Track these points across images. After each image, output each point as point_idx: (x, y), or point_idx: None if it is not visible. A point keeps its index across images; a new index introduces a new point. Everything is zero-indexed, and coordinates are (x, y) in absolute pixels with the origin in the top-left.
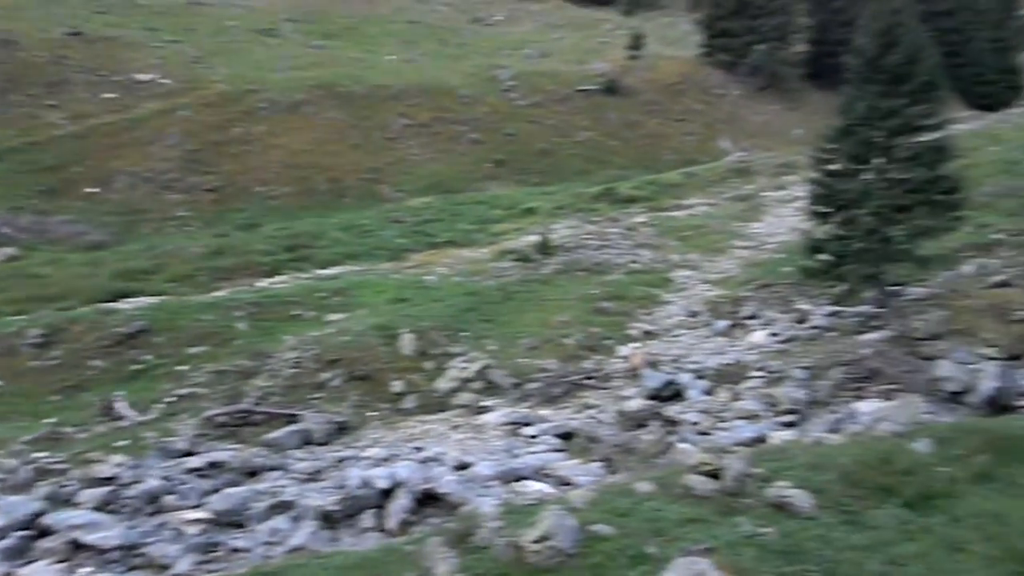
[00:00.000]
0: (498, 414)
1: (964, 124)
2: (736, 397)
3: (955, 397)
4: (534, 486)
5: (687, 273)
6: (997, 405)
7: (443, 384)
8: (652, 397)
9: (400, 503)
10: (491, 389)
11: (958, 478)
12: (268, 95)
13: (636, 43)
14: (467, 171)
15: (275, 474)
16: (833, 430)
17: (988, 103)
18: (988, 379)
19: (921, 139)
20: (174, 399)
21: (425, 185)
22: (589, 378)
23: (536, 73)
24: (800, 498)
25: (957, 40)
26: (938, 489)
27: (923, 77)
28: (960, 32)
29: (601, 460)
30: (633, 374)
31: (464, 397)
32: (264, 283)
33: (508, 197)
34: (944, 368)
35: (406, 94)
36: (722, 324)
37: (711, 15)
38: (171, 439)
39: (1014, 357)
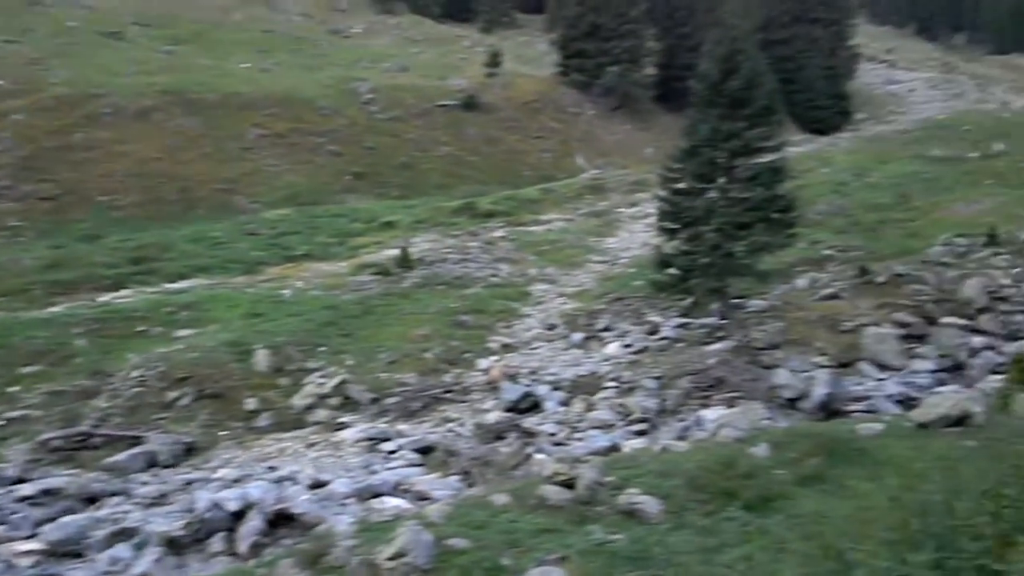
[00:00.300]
0: (356, 430)
1: (799, 147)
2: (591, 407)
3: (792, 403)
4: (391, 502)
5: (545, 287)
6: (828, 410)
7: (299, 401)
8: (510, 409)
9: (252, 525)
10: (349, 405)
11: (792, 480)
12: (113, 100)
13: (494, 60)
14: (326, 183)
15: (116, 500)
16: (681, 437)
17: (820, 127)
18: (820, 386)
19: (760, 160)
20: (4, 423)
21: (282, 197)
22: (448, 392)
23: (395, 87)
24: (649, 504)
25: (793, 67)
26: (774, 491)
27: (761, 102)
28: (795, 60)
29: (459, 473)
30: (492, 387)
31: (321, 414)
32: (106, 298)
33: (367, 210)
34: (781, 376)
35: (261, 103)
36: (578, 336)
37: (565, 36)
38: (0, 465)
39: (843, 365)
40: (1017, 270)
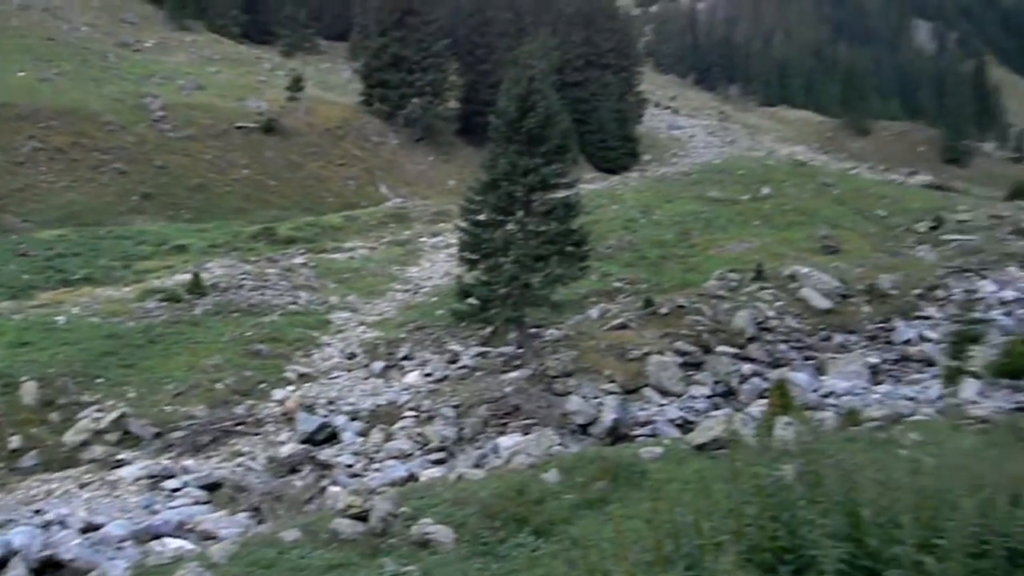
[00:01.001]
0: (136, 467)
1: (591, 184)
2: (389, 437)
3: (583, 429)
4: (173, 543)
5: (346, 315)
6: (616, 434)
7: (72, 437)
8: (306, 441)
9: (14, 574)
10: (129, 440)
11: (579, 504)
12: None
13: (296, 85)
14: (110, 203)
15: None
16: (478, 465)
17: (611, 167)
18: (609, 411)
19: (555, 196)
20: None
21: (59, 216)
22: (240, 424)
23: (190, 105)
24: (442, 534)
25: (586, 109)
26: (562, 516)
27: (557, 140)
28: (589, 102)
29: (249, 510)
30: (287, 418)
31: (96, 450)
32: None
33: (156, 233)
34: (573, 403)
35: (39, 115)
36: (378, 365)
37: (369, 65)
38: None
39: (630, 391)
40: (779, 303)
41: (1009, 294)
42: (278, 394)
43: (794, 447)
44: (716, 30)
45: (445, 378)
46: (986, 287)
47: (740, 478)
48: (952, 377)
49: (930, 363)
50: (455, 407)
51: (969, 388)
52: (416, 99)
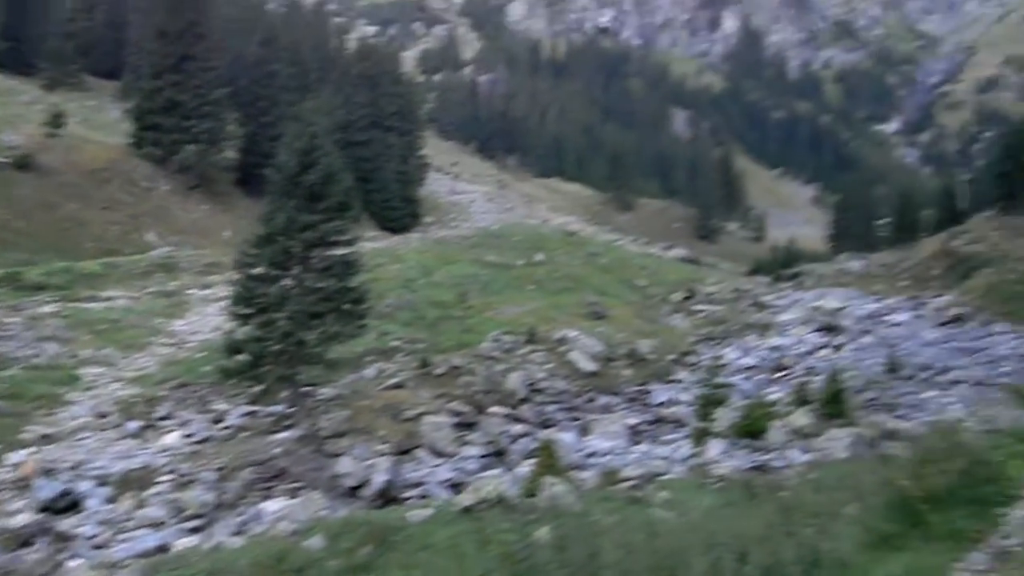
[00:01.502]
0: None
1: (373, 243)
2: (141, 504)
3: (353, 491)
4: None
5: (99, 370)
6: (387, 497)
7: None
8: (44, 510)
9: None
10: None
11: (344, 570)
12: None
13: (56, 121)
14: None
15: None
16: (239, 532)
17: (393, 227)
18: (380, 473)
19: (334, 253)
20: None
21: None
22: None
23: None
24: None
25: (370, 168)
26: None
27: (337, 197)
28: (372, 162)
29: None
30: (23, 485)
31: None
32: None
33: None
34: (344, 464)
35: None
36: (134, 425)
37: (141, 107)
38: None
39: (403, 452)
40: (550, 365)
41: (749, 360)
42: (13, 458)
43: (547, 510)
44: (496, 102)
45: (208, 439)
46: (730, 354)
47: (491, 544)
48: (700, 437)
49: (681, 424)
50: (217, 470)
51: (714, 448)
52: (191, 146)
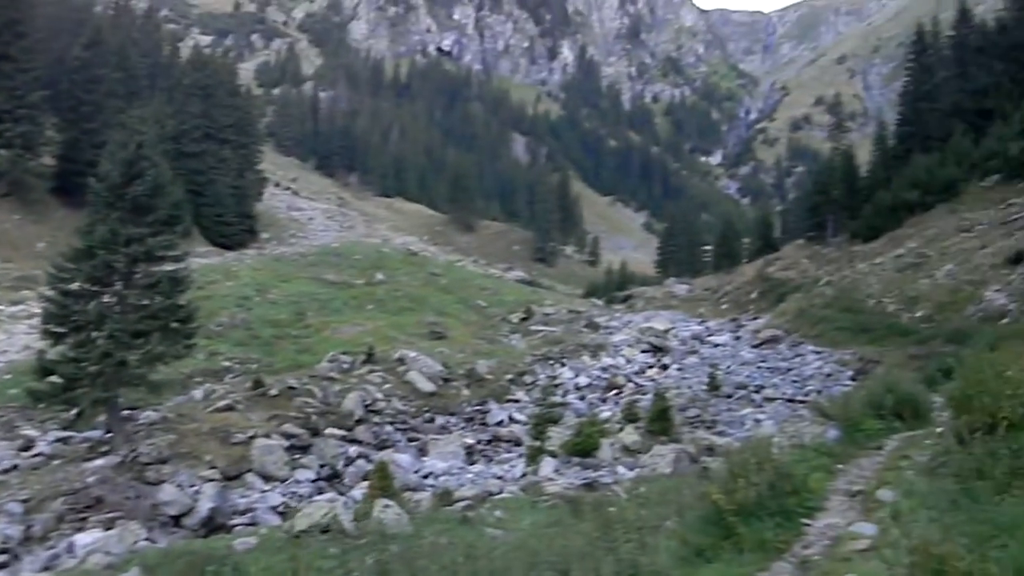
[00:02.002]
0: None
1: (204, 259)
2: None
3: (176, 520)
4: None
5: None
6: (213, 525)
7: None
8: None
9: None
10: None
11: None
12: None
13: None
14: None
15: None
16: (48, 567)
17: (227, 243)
18: (206, 500)
19: (161, 268)
20: None
21: None
22: None
23: None
24: None
25: (203, 182)
26: None
27: (166, 210)
28: (206, 175)
29: None
30: None
31: None
32: None
33: None
34: (166, 492)
35: None
36: None
37: None
38: None
39: (232, 477)
40: (388, 385)
41: (583, 380)
42: None
43: (376, 534)
44: (337, 120)
45: (14, 468)
46: (565, 373)
47: (309, 573)
48: (534, 456)
49: (517, 443)
50: (23, 501)
51: (547, 466)
52: (2, 151)
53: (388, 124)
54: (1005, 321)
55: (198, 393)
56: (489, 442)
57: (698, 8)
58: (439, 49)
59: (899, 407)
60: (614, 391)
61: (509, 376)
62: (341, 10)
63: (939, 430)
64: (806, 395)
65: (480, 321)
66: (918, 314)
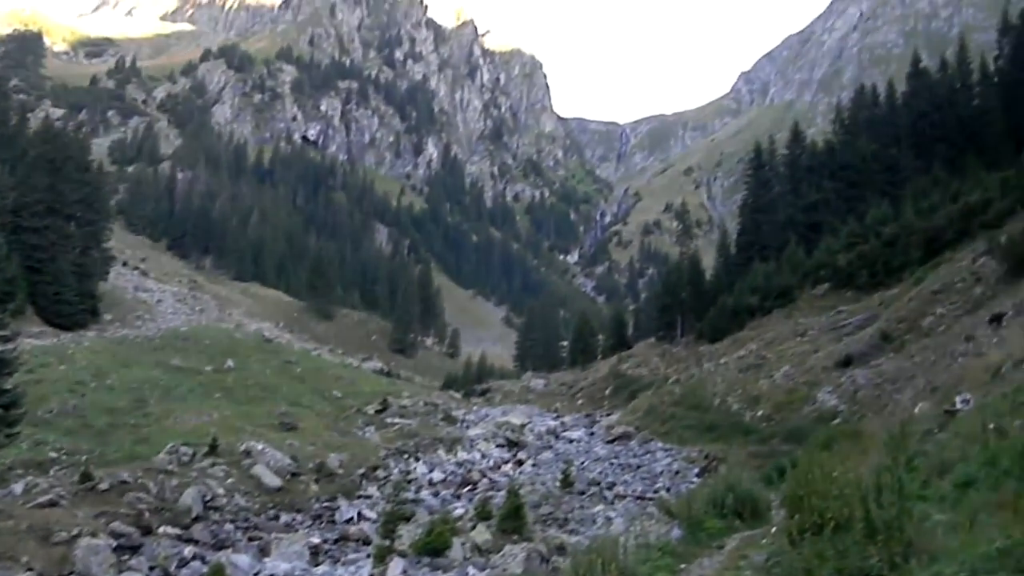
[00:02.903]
0: None
1: (38, 340)
2: None
3: None
4: None
5: None
6: None
7: None
8: None
9: None
10: None
11: None
12: None
13: None
14: None
15: None
16: None
17: (66, 323)
18: None
19: None
20: None
21: None
22: None
23: None
24: None
25: (43, 258)
26: None
27: None
28: (46, 251)
29: None
30: None
31: None
32: None
33: None
34: None
35: None
36: None
37: None
38: None
39: None
40: (231, 480)
41: (437, 475)
42: None
43: None
44: (194, 200)
45: None
46: (419, 468)
47: None
48: (382, 556)
49: (366, 542)
50: None
51: (395, 567)
52: None
53: (248, 208)
54: (837, 421)
55: (18, 487)
56: (336, 541)
57: (558, 115)
58: (304, 138)
59: (739, 506)
60: (468, 487)
61: (361, 470)
62: (205, 92)
63: (774, 530)
64: (655, 492)
65: (334, 412)
66: (759, 413)
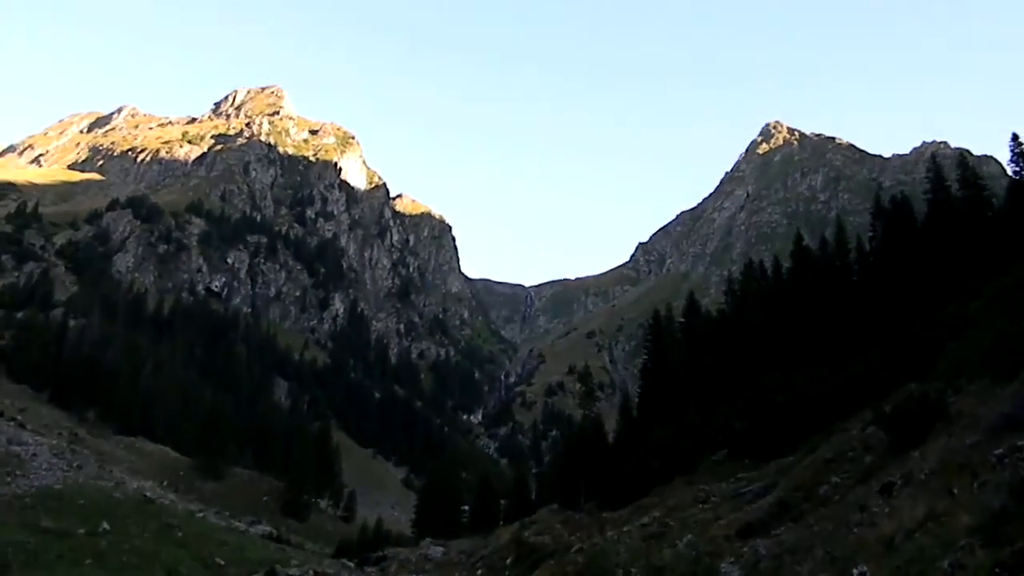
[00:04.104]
0: None
1: None
2: None
3: None
4: None
5: None
6: None
7: None
8: None
9: None
10: None
11: None
12: None
13: None
14: None
15: None
16: None
17: None
18: None
19: None
20: None
21: None
22: None
23: None
24: None
25: None
26: None
27: None
28: None
29: None
30: None
31: None
32: None
33: None
34: None
35: None
36: None
37: None
38: None
39: None
40: None
41: None
42: None
43: None
44: (84, 349)
45: None
46: None
47: None
48: None
49: None
50: None
51: None
52: None
53: (142, 358)
54: None
55: None
56: None
57: (465, 276)
58: (208, 289)
59: None
60: None
61: None
62: (108, 241)
63: None
64: None
65: None
66: None
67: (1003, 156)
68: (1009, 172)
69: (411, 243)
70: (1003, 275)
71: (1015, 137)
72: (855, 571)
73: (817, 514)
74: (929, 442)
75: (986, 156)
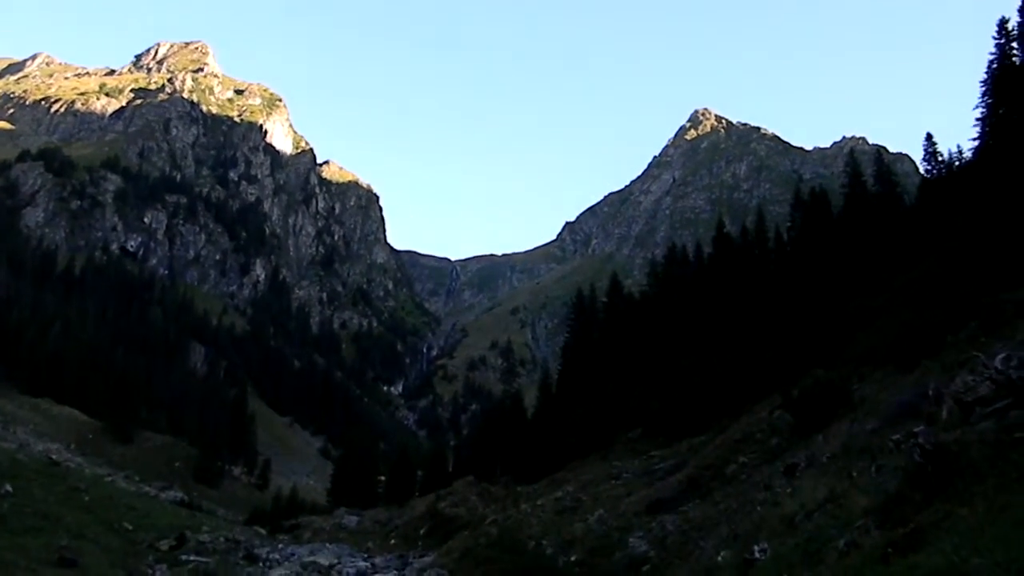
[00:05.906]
0: None
1: None
2: None
3: None
4: None
5: None
6: None
7: None
8: None
9: None
10: None
11: None
12: None
13: None
14: None
15: None
16: None
17: None
18: None
19: None
20: None
21: None
22: None
23: None
24: None
25: None
26: None
27: None
28: None
29: None
30: None
31: None
32: None
33: None
34: None
35: None
36: None
37: None
38: None
39: None
40: None
41: None
42: None
43: None
44: None
45: None
46: None
47: None
48: None
49: None
50: None
51: None
52: None
53: (50, 317)
54: (646, 568)
55: None
56: None
57: (391, 247)
58: (123, 249)
59: None
60: None
61: None
62: (16, 194)
63: None
64: None
65: (123, 547)
66: (572, 558)
67: (917, 155)
68: (922, 170)
69: (337, 211)
70: (911, 269)
71: (929, 137)
72: (756, 548)
73: (724, 492)
74: (832, 426)
75: (901, 154)
